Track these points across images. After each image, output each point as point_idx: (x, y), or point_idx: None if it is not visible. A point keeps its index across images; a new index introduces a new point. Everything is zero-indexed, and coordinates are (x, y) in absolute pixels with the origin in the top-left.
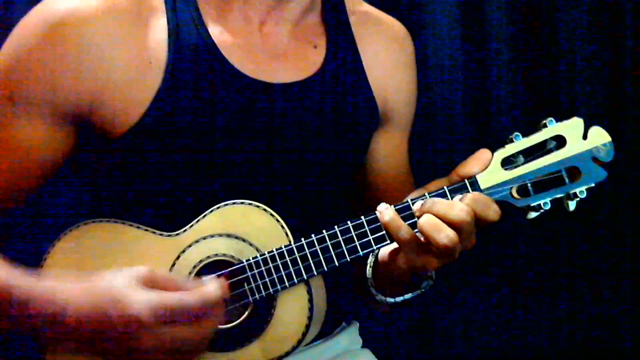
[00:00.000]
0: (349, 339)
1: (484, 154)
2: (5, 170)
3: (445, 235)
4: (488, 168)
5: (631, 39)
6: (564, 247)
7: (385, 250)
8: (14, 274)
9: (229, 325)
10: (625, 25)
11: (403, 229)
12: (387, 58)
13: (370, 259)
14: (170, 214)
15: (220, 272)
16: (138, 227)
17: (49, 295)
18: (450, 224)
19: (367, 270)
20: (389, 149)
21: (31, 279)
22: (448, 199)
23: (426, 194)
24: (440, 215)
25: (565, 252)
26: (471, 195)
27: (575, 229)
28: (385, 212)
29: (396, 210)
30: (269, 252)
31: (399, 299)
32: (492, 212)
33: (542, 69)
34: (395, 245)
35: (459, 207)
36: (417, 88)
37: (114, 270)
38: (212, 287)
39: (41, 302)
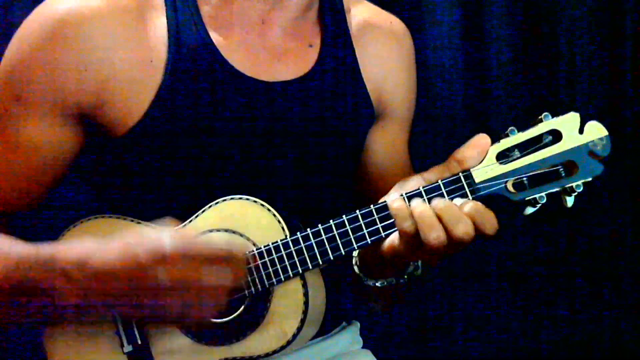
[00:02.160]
0: (349, 339)
1: (482, 139)
2: (14, 170)
3: (436, 236)
4: (483, 162)
5: (631, 39)
6: (564, 247)
7: None
8: (34, 244)
9: (225, 319)
10: (625, 25)
11: (408, 220)
12: (385, 55)
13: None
14: (172, 212)
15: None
16: (138, 223)
17: (76, 245)
18: (452, 236)
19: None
20: (387, 144)
21: (57, 243)
22: (442, 193)
23: (421, 188)
24: (444, 223)
25: (565, 252)
26: (474, 205)
27: (575, 229)
28: (395, 200)
29: (375, 209)
30: (265, 246)
31: (378, 283)
32: (490, 226)
33: (542, 69)
34: None
35: (464, 224)
36: (417, 85)
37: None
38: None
39: (69, 253)
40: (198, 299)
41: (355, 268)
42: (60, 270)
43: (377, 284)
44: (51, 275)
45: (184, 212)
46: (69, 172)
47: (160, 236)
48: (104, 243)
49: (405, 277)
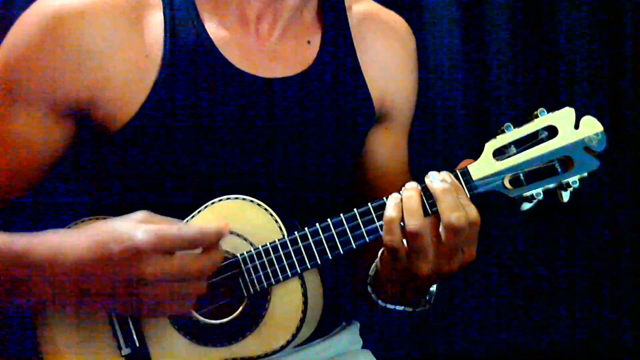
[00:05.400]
0: (349, 339)
1: None
2: (4, 164)
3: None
4: (480, 158)
5: (631, 39)
6: (564, 247)
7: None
8: (15, 234)
9: (223, 320)
10: (625, 25)
11: (402, 250)
12: (388, 55)
13: (377, 261)
14: (169, 210)
15: None
16: None
17: (49, 238)
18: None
19: (371, 267)
20: (388, 146)
21: (32, 233)
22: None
23: (418, 186)
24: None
25: (565, 252)
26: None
27: (575, 229)
28: (394, 235)
29: (373, 207)
30: (262, 246)
31: (390, 306)
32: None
33: (542, 69)
34: None
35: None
36: (418, 86)
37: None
38: (211, 224)
39: (42, 246)
40: (175, 290)
41: (368, 287)
42: (33, 264)
43: (386, 306)
44: (25, 269)
45: (180, 211)
46: (68, 170)
47: (132, 230)
48: (75, 235)
49: (419, 307)
